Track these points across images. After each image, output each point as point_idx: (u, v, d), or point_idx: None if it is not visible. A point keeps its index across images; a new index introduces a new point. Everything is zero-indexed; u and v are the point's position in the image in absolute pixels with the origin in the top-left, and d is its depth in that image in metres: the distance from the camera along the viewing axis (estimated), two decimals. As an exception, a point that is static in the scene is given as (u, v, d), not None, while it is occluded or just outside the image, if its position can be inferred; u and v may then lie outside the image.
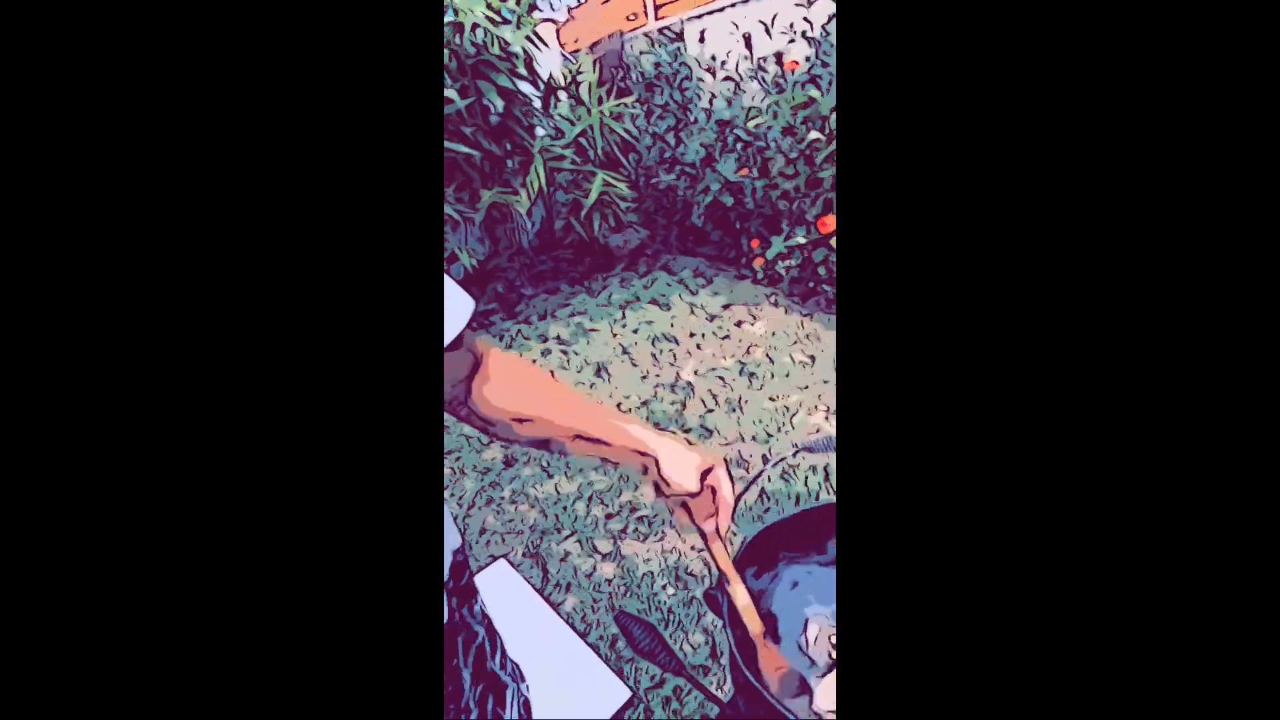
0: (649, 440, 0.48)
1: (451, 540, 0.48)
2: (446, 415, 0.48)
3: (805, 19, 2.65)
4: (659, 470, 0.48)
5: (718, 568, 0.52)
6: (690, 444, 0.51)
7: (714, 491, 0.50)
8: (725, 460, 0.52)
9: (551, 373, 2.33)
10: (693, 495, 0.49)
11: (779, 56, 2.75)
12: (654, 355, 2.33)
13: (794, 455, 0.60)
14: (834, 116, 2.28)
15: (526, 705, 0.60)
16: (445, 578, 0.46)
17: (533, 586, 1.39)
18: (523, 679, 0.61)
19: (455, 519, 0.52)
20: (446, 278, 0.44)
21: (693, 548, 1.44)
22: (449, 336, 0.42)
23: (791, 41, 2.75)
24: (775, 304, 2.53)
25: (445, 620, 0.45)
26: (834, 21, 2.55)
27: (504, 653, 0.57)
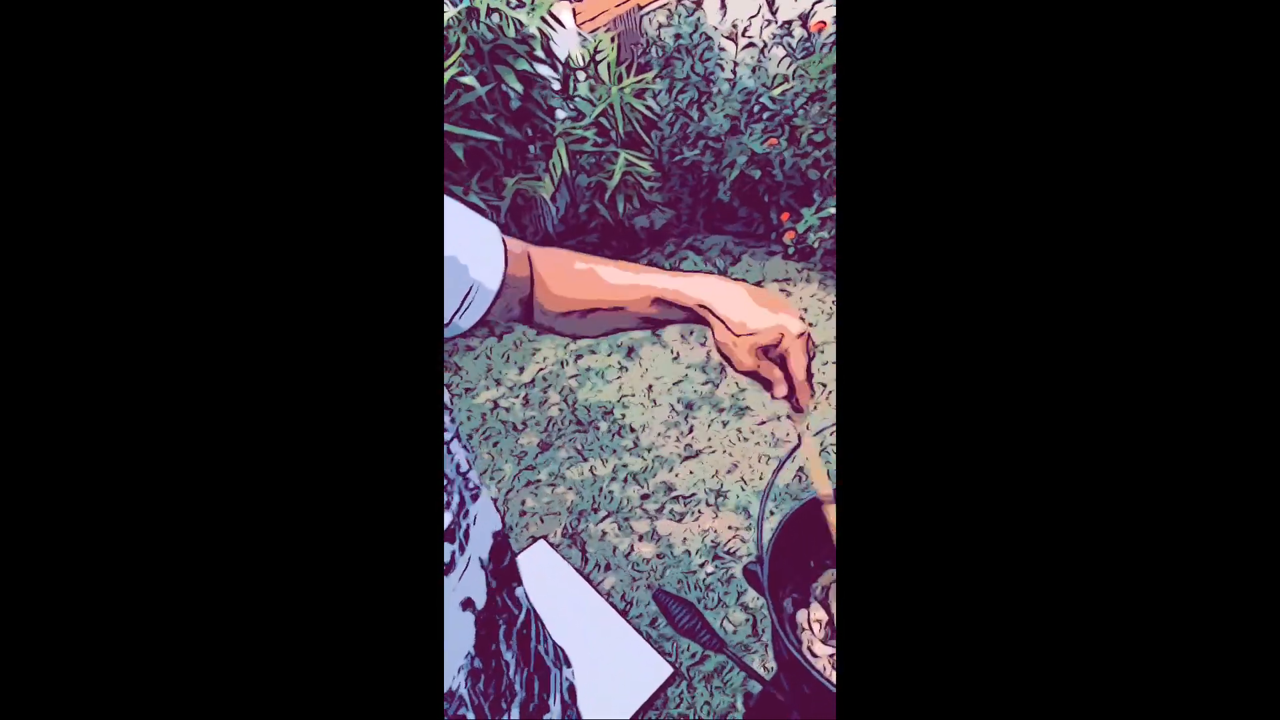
0: (710, 298, 0.43)
1: (491, 522, 0.48)
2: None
3: (832, -25, 2.52)
4: (717, 319, 0.43)
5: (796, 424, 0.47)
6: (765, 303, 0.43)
7: (782, 361, 0.44)
8: (805, 334, 0.43)
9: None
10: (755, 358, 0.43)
11: (804, 18, 2.63)
12: (682, 336, 2.30)
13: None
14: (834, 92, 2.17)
15: (572, 691, 0.60)
16: (486, 560, 0.46)
17: (572, 566, 1.41)
18: (568, 664, 0.60)
19: (494, 501, 0.52)
20: (459, 205, 0.42)
21: (729, 526, 1.44)
22: (495, 274, 0.42)
23: (817, 1, 2.62)
24: (807, 279, 2.46)
25: (484, 603, 0.45)
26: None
27: (547, 637, 0.57)
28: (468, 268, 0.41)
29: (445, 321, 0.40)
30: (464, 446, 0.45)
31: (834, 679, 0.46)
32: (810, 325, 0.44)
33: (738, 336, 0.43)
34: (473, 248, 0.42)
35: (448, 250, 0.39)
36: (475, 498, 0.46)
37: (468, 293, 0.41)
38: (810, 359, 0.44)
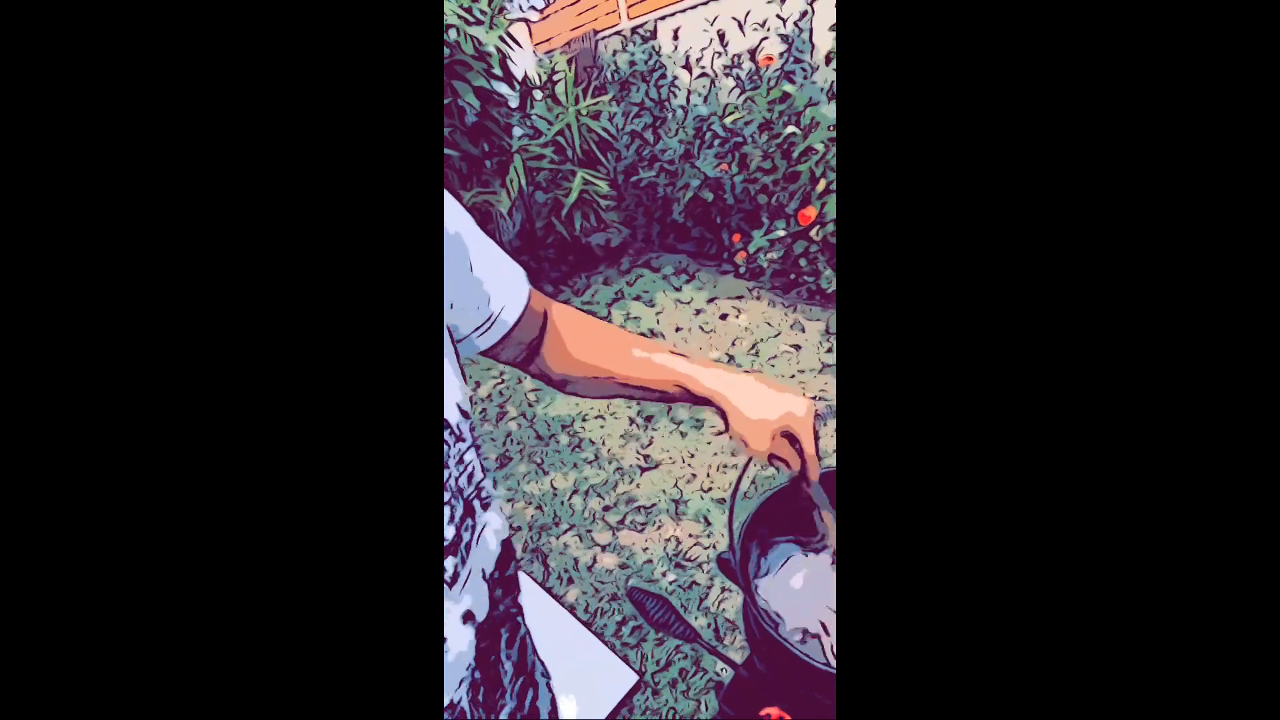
0: (725, 388, 0.46)
1: (499, 530, 0.48)
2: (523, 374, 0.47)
3: (779, 16, 2.70)
4: (727, 421, 0.47)
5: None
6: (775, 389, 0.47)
7: (794, 443, 0.48)
8: (809, 414, 0.47)
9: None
10: (769, 457, 0.48)
11: (753, 52, 2.80)
12: (641, 350, 2.34)
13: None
14: (809, 111, 2.33)
15: (553, 701, 0.60)
16: (492, 570, 0.46)
17: (534, 580, 1.40)
18: (547, 675, 0.60)
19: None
20: (498, 249, 0.45)
21: (690, 535, 1.47)
22: (517, 307, 0.44)
23: (765, 38, 2.80)
24: (758, 297, 2.58)
25: (488, 610, 0.45)
26: (807, 17, 2.60)
27: (534, 649, 0.57)
28: (490, 297, 0.44)
29: (459, 338, 0.42)
30: (479, 455, 0.45)
31: (809, 654, 0.50)
32: (815, 400, 0.51)
33: (754, 422, 0.46)
34: (499, 282, 0.45)
35: (475, 271, 0.42)
36: (486, 506, 0.46)
37: (489, 317, 0.45)
38: (817, 436, 0.48)
